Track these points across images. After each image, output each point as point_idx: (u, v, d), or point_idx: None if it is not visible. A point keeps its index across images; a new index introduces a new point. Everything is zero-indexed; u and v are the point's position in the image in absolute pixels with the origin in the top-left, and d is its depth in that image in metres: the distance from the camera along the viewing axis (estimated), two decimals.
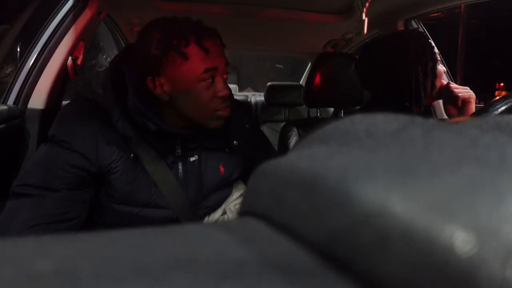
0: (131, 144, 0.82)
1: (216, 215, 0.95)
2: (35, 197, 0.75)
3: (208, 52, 0.76)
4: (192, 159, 0.89)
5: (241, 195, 1.00)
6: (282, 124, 1.50)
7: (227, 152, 0.94)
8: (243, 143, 0.97)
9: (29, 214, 0.74)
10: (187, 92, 0.79)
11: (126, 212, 0.84)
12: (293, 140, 1.37)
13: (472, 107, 1.06)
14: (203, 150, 0.91)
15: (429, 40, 1.09)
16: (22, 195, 0.75)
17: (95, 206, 0.85)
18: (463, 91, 1.06)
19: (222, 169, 0.93)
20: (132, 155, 0.82)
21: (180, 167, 0.88)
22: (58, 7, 1.37)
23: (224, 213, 0.96)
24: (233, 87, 3.47)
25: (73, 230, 0.78)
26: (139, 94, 0.80)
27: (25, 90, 1.33)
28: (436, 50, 1.09)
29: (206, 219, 0.93)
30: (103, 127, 0.80)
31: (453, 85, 1.07)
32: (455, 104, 1.05)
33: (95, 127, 0.80)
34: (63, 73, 1.39)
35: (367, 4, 1.13)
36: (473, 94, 1.06)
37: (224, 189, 0.95)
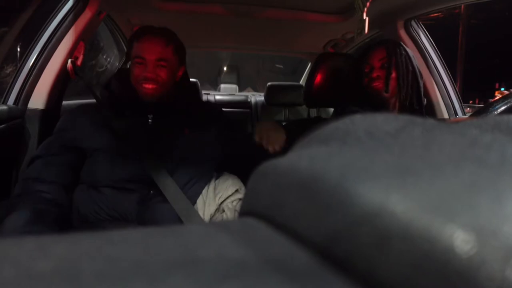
0: (113, 123, 1.05)
1: (211, 208, 1.02)
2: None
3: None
4: (161, 126, 1.09)
5: (236, 190, 1.05)
6: (282, 124, 1.50)
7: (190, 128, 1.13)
8: (195, 132, 1.15)
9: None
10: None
11: (107, 181, 1.01)
12: None
13: None
14: (172, 119, 1.11)
15: (405, 50, 1.16)
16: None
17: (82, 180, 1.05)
18: None
19: (186, 133, 1.12)
20: (114, 136, 1.03)
21: (151, 134, 1.07)
22: (58, 7, 1.36)
23: (222, 211, 0.97)
24: (233, 87, 3.46)
25: (53, 193, 0.99)
26: (120, 80, 1.14)
27: (25, 90, 1.33)
28: (414, 60, 1.15)
29: (196, 208, 1.01)
30: (93, 117, 1.07)
31: None
32: None
33: (87, 117, 1.07)
34: (63, 73, 1.38)
35: (368, 4, 1.14)
36: None
37: (190, 161, 1.09)
